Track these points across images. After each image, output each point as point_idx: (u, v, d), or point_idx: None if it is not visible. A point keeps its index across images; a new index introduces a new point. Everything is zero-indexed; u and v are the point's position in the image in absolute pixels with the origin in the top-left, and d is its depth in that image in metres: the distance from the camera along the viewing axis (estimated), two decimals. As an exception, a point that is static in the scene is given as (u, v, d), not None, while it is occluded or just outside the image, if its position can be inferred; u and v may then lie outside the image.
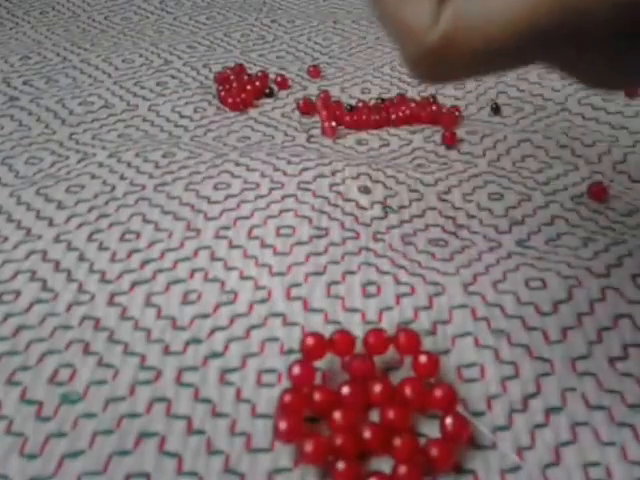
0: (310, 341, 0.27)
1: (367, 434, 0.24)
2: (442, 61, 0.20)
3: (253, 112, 0.47)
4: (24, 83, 0.51)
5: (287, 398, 0.26)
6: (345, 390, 0.26)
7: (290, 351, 0.29)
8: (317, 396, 0.26)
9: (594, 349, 0.29)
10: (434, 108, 0.46)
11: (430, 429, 0.25)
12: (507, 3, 0.19)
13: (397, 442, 0.24)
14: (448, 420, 0.24)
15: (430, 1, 0.20)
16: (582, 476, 0.24)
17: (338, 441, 0.24)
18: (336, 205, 0.37)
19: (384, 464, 0.24)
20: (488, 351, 0.28)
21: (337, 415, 0.25)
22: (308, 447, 0.24)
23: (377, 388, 0.26)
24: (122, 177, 0.39)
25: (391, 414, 0.25)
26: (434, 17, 0.20)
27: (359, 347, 0.28)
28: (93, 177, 0.39)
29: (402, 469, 0.23)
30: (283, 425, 0.24)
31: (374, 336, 0.27)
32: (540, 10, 0.19)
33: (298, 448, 0.24)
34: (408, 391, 0.25)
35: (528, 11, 0.19)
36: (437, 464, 0.24)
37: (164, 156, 0.41)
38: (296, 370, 0.26)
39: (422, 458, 0.24)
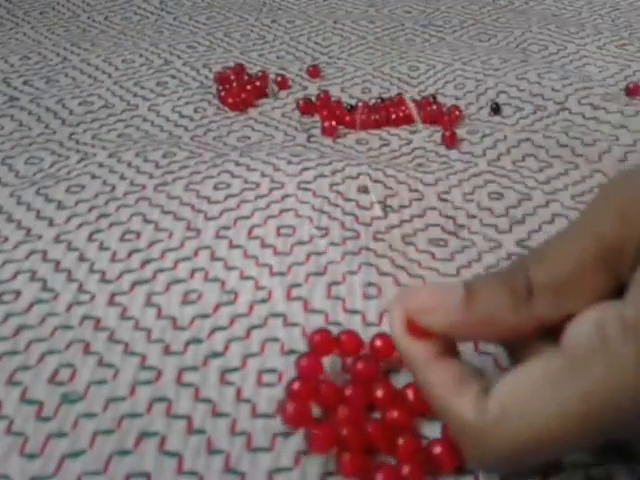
0: (318, 336, 0.27)
1: (371, 429, 0.24)
2: (499, 447, 0.21)
3: (253, 112, 0.47)
4: (24, 83, 0.51)
5: (295, 386, 0.26)
6: (348, 391, 0.26)
7: (291, 351, 0.28)
8: (323, 389, 0.26)
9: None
10: (434, 108, 0.46)
11: (431, 430, 0.25)
12: (539, 413, 0.20)
13: (400, 442, 0.24)
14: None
15: (474, 396, 0.22)
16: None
17: (344, 432, 0.24)
18: (336, 205, 0.37)
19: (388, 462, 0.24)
20: (488, 357, 0.28)
21: (342, 409, 0.25)
22: (316, 434, 0.24)
23: (379, 393, 0.26)
24: (122, 177, 0.39)
25: (394, 414, 0.25)
26: (481, 409, 0.21)
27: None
28: (93, 177, 0.39)
29: (404, 469, 0.23)
30: (291, 408, 0.24)
31: (381, 340, 0.27)
32: (569, 421, 0.20)
33: (306, 435, 0.24)
34: (410, 395, 0.25)
35: (558, 423, 0.20)
36: (440, 464, 0.24)
37: (164, 156, 0.41)
38: (304, 362, 0.26)
39: (425, 458, 0.24)
